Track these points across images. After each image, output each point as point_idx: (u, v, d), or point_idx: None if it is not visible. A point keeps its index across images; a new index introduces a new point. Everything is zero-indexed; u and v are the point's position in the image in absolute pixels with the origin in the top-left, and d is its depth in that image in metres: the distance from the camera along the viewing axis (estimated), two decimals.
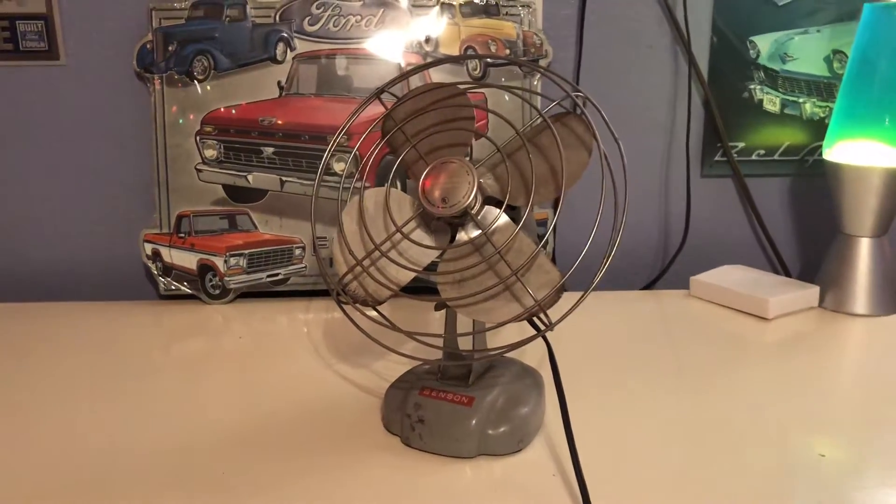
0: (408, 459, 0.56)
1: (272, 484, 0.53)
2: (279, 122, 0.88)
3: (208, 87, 0.87)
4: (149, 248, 0.89)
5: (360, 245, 0.57)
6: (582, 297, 0.51)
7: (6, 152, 0.92)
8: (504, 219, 0.54)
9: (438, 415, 0.56)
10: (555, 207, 0.92)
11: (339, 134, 0.59)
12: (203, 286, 0.89)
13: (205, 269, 0.89)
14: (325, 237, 0.89)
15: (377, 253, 0.56)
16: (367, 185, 0.81)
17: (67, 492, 0.53)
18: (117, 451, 0.58)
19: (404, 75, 0.62)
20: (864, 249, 0.85)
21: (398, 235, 0.56)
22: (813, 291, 0.86)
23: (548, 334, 0.52)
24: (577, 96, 0.54)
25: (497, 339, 0.61)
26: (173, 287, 0.89)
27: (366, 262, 0.56)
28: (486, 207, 0.55)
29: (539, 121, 0.55)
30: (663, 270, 0.99)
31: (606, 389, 0.67)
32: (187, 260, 0.89)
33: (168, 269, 0.89)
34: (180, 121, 0.87)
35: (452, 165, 0.54)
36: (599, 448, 0.57)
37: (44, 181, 0.92)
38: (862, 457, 0.57)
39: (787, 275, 0.96)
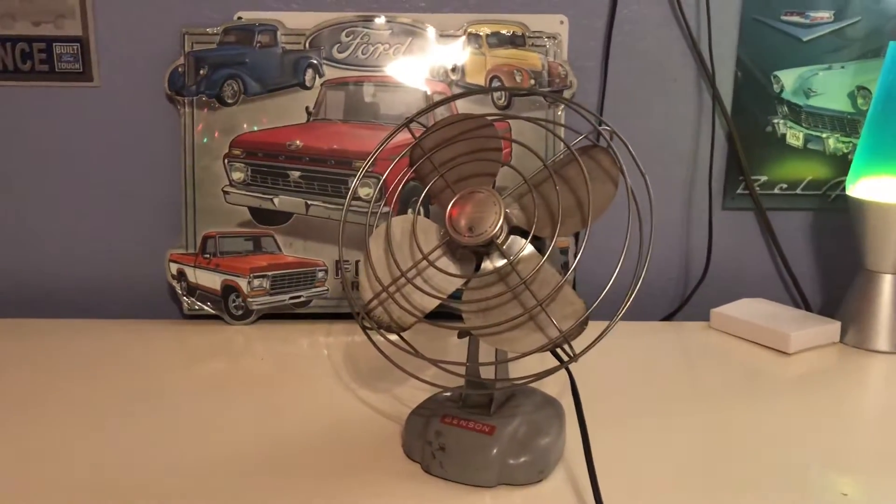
0: (428, 487, 0.56)
1: None
2: (306, 146, 0.89)
3: (237, 111, 0.89)
4: (174, 267, 0.90)
5: (386, 271, 0.58)
6: (605, 329, 0.51)
7: (38, 170, 0.93)
8: (529, 249, 0.55)
9: (459, 443, 0.57)
10: (577, 236, 0.92)
11: (369, 161, 0.60)
12: (226, 307, 0.90)
13: (228, 289, 0.90)
14: (348, 260, 0.90)
15: (403, 279, 0.57)
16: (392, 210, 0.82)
17: None
18: (135, 469, 0.58)
19: (433, 106, 0.63)
20: (886, 286, 0.85)
21: (424, 263, 0.57)
22: (834, 327, 0.86)
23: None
24: (604, 130, 0.55)
25: (519, 368, 0.61)
26: (197, 307, 0.90)
27: (391, 289, 0.57)
28: (512, 237, 0.55)
29: (566, 153, 0.56)
30: (684, 302, 0.98)
31: (626, 421, 0.67)
32: (211, 280, 0.90)
33: (192, 289, 0.90)
34: (205, 139, 0.89)
35: (479, 195, 0.55)
36: (620, 480, 0.57)
37: (73, 199, 0.94)
38: (886, 497, 0.56)
39: (809, 309, 0.96)
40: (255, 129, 0.89)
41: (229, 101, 0.89)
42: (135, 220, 0.95)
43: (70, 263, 0.95)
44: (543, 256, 0.53)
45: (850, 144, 0.96)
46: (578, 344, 0.52)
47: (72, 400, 0.70)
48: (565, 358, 0.52)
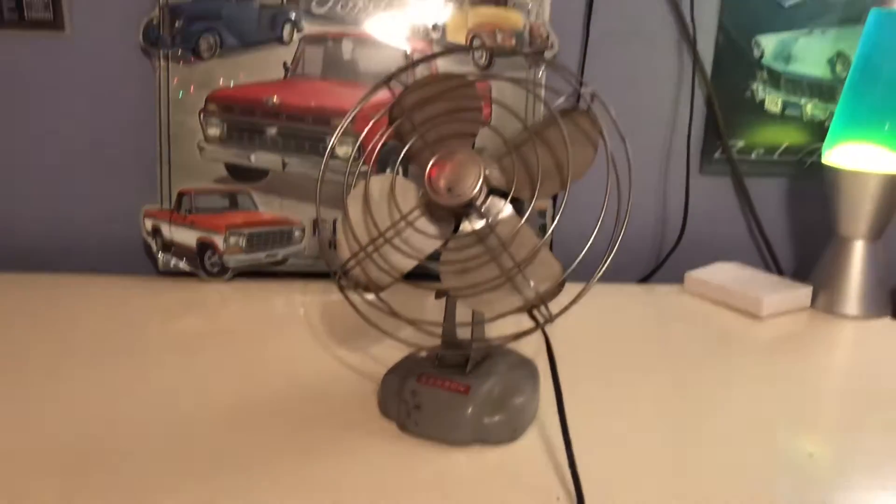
0: (403, 445, 0.57)
1: (265, 465, 0.54)
2: (283, 103, 0.88)
3: (213, 66, 0.87)
4: (149, 223, 0.89)
5: (364, 231, 0.58)
6: (581, 292, 0.52)
7: (8, 122, 0.91)
8: (508, 210, 0.55)
9: (435, 402, 0.57)
10: (554, 199, 0.92)
11: (346, 121, 0.60)
12: (202, 264, 0.89)
13: (204, 246, 0.89)
14: (326, 220, 0.89)
15: (381, 239, 0.56)
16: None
17: (59, 465, 0.53)
18: (111, 425, 0.58)
19: (414, 63, 0.62)
20: (858, 252, 0.86)
21: (402, 223, 0.56)
22: (806, 291, 0.87)
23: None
24: (585, 92, 0.55)
25: (495, 328, 0.62)
26: (172, 264, 0.89)
27: (369, 249, 0.57)
28: (491, 198, 0.55)
29: (546, 115, 0.55)
30: (659, 265, 0.99)
31: (599, 382, 0.68)
32: (187, 237, 0.89)
33: (167, 246, 0.89)
34: (181, 94, 0.87)
35: (459, 156, 0.55)
36: (593, 440, 0.58)
37: (46, 153, 0.92)
38: (850, 458, 0.58)
39: (781, 274, 0.97)
40: (237, 89, 0.87)
41: (205, 55, 0.87)
42: (109, 175, 0.93)
43: (42, 218, 0.94)
44: (522, 218, 0.53)
45: (828, 111, 0.97)
46: (555, 306, 0.52)
47: (44, 354, 0.70)
48: (541, 319, 0.53)
